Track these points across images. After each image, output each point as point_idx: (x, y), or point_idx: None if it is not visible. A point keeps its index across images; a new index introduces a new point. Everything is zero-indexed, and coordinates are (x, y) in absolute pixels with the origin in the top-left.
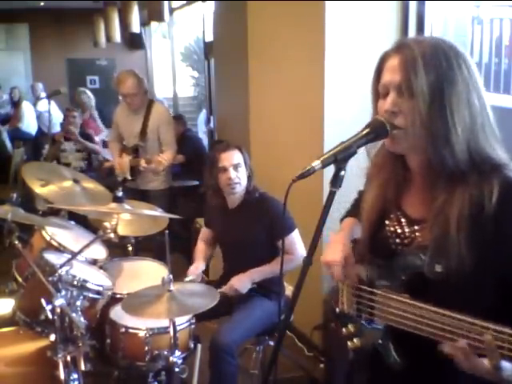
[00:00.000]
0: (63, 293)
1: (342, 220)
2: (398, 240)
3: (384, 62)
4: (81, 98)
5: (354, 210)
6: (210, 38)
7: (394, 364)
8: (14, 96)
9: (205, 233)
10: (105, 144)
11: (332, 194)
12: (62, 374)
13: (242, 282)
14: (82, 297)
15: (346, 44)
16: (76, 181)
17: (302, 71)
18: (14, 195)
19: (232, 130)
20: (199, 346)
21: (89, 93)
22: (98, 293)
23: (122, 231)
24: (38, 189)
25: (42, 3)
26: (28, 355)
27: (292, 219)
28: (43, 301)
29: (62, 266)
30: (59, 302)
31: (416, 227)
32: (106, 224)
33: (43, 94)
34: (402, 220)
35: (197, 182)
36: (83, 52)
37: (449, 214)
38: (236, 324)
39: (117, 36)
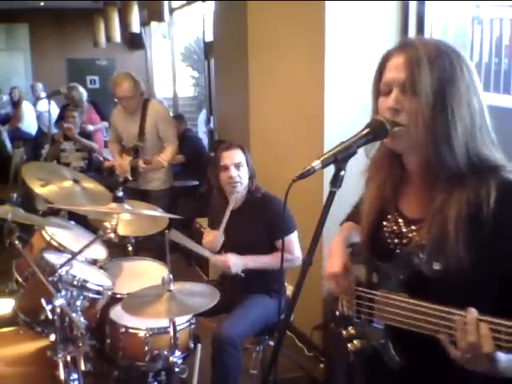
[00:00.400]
0: (63, 293)
1: (342, 223)
2: (396, 240)
3: (387, 60)
4: (72, 94)
5: (354, 214)
6: (210, 38)
7: (393, 363)
8: (14, 96)
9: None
10: (105, 144)
11: (332, 194)
12: (62, 374)
13: (236, 262)
14: (81, 297)
15: (346, 44)
16: (76, 181)
17: (302, 71)
18: (14, 195)
19: (232, 130)
20: (199, 346)
21: (80, 88)
22: (98, 293)
23: (121, 231)
24: (37, 189)
25: (42, 3)
26: (28, 355)
27: (293, 220)
28: (43, 301)
29: (61, 266)
30: (59, 302)
31: (413, 227)
32: (106, 224)
33: (43, 94)
34: (400, 220)
35: (197, 182)
36: (83, 52)
37: (447, 214)
38: (238, 319)
39: (117, 36)
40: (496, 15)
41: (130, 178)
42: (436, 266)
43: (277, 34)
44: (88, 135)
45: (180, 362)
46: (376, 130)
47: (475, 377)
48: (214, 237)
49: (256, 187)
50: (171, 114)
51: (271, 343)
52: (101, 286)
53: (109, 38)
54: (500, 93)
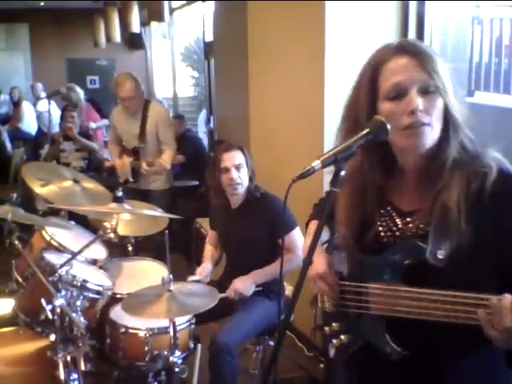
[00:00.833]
0: (63, 293)
1: (307, 223)
2: (389, 233)
3: (384, 64)
4: (70, 95)
5: (320, 211)
6: (210, 38)
7: (392, 354)
8: (14, 96)
9: (211, 236)
10: (105, 144)
11: (332, 194)
12: (62, 374)
13: (245, 285)
14: (82, 297)
15: (346, 44)
16: (76, 181)
17: (302, 71)
18: (14, 195)
19: (232, 130)
20: (199, 345)
21: (77, 88)
22: (98, 293)
23: (122, 231)
24: (37, 189)
25: (42, 3)
26: (28, 355)
27: (293, 217)
28: (43, 301)
29: (62, 265)
30: (59, 302)
31: (408, 219)
32: (106, 224)
33: (43, 94)
34: (393, 214)
35: (197, 182)
36: (83, 52)
37: (447, 199)
38: (236, 324)
39: (117, 36)
40: (496, 15)
41: (131, 180)
42: (440, 255)
43: (277, 34)
44: (89, 134)
45: (180, 362)
46: (376, 130)
47: (469, 366)
48: (203, 269)
49: (255, 187)
50: (171, 114)
51: (271, 343)
52: (101, 285)
53: (109, 38)
54: (500, 93)
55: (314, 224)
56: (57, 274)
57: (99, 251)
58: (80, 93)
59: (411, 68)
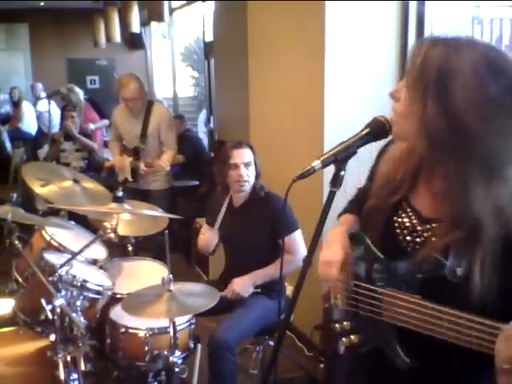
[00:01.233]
0: (63, 293)
1: (339, 215)
2: (408, 237)
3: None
4: (69, 95)
5: (353, 207)
6: (210, 38)
7: (401, 363)
8: (14, 96)
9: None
10: (105, 144)
11: (332, 194)
12: (62, 374)
13: (243, 286)
14: (82, 297)
15: (346, 44)
16: (76, 181)
17: (302, 71)
18: (14, 195)
19: (232, 130)
20: (199, 346)
21: (76, 88)
22: (98, 293)
23: (122, 231)
24: (38, 189)
25: (42, 3)
26: (28, 355)
27: (295, 219)
28: (43, 301)
29: (62, 266)
30: (59, 302)
31: (428, 226)
32: (106, 224)
33: (43, 94)
34: (413, 217)
35: (197, 182)
36: (83, 52)
37: (479, 211)
38: (235, 322)
39: (117, 36)
40: (496, 15)
41: (130, 179)
42: (459, 272)
43: (277, 34)
44: (88, 134)
45: (180, 362)
46: (376, 130)
47: (480, 378)
48: (209, 235)
49: (260, 186)
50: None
51: (271, 343)
52: (101, 285)
53: (109, 38)
54: None
55: (344, 217)
56: (57, 274)
57: (99, 251)
58: (80, 93)
59: (409, 60)
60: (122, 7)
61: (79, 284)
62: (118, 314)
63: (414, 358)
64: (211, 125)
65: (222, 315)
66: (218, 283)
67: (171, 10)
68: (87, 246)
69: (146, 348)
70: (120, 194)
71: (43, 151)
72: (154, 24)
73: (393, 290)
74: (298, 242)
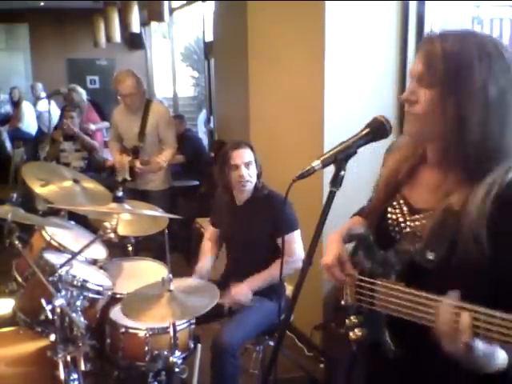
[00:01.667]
0: (63, 293)
1: (353, 216)
2: (397, 228)
3: (416, 53)
4: (72, 96)
5: (365, 208)
6: (210, 38)
7: (389, 352)
8: (14, 96)
9: (211, 232)
10: (105, 144)
11: (332, 194)
12: (62, 374)
13: (243, 293)
14: (82, 297)
15: (346, 44)
16: (76, 181)
17: (302, 71)
18: (14, 195)
19: (232, 130)
20: (199, 346)
21: (79, 89)
22: (98, 293)
23: (122, 231)
24: (38, 189)
25: (42, 3)
26: (28, 355)
27: (296, 219)
28: (43, 301)
29: (62, 266)
30: (59, 302)
31: (417, 216)
32: (106, 224)
33: (43, 94)
34: (404, 209)
35: (197, 182)
36: (83, 52)
37: (454, 202)
38: (237, 325)
39: (117, 36)
40: (496, 15)
41: (129, 179)
42: (430, 256)
43: (277, 34)
44: (89, 135)
45: (180, 362)
46: (376, 130)
47: (469, 371)
48: (202, 265)
49: (262, 185)
50: (171, 114)
51: (271, 343)
52: (101, 285)
53: (109, 38)
54: None
55: (353, 218)
56: (57, 274)
57: (99, 251)
58: (82, 93)
59: (418, 59)
60: (122, 7)
61: (79, 284)
62: (117, 314)
63: (406, 347)
64: (211, 125)
65: (224, 318)
66: (219, 282)
67: (171, 10)
68: (87, 245)
69: (146, 348)
70: (120, 194)
71: (42, 152)
72: (154, 24)
73: (383, 280)
74: (295, 242)
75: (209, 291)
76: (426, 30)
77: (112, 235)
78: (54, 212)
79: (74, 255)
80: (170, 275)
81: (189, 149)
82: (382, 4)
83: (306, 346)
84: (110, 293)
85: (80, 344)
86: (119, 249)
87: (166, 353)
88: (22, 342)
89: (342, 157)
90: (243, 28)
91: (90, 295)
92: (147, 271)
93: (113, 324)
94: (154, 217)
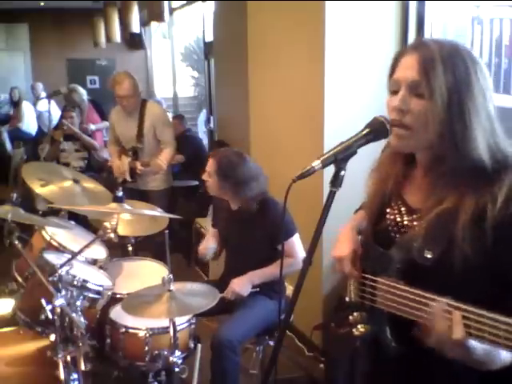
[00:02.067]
0: (63, 293)
1: (355, 212)
2: (395, 228)
3: (400, 58)
4: (73, 96)
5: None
6: (210, 38)
7: (389, 348)
8: (14, 96)
9: (213, 232)
10: (105, 144)
11: (332, 194)
12: (62, 374)
13: (242, 285)
14: (82, 297)
15: (346, 44)
16: (76, 181)
17: (302, 71)
18: (14, 195)
19: (232, 130)
20: (199, 345)
21: (80, 89)
22: (98, 293)
23: (121, 231)
24: (38, 189)
25: (42, 3)
26: (28, 355)
27: (292, 223)
28: (43, 301)
29: (62, 266)
30: (59, 302)
31: (415, 216)
32: (106, 224)
33: (43, 94)
34: (402, 209)
35: (197, 182)
36: (83, 52)
37: (450, 202)
38: (237, 322)
39: (117, 36)
40: (496, 15)
41: (129, 180)
42: (428, 255)
43: (277, 34)
44: (88, 135)
45: (180, 362)
46: (376, 130)
47: (470, 368)
48: (206, 242)
49: (258, 191)
50: (171, 114)
51: (271, 343)
52: (101, 285)
53: (109, 38)
54: (500, 93)
55: (357, 213)
56: (57, 274)
57: (99, 251)
58: (83, 94)
59: (412, 66)
60: (122, 7)
61: (79, 284)
62: (118, 313)
63: (406, 345)
64: (211, 125)
65: (223, 315)
66: (219, 283)
67: (171, 10)
68: (87, 245)
69: (146, 348)
70: (120, 194)
71: (41, 151)
72: (154, 24)
73: (384, 278)
74: (296, 245)
75: (209, 293)
76: (426, 29)
77: (112, 235)
78: (54, 212)
79: (74, 255)
80: (170, 275)
81: (189, 149)
82: (382, 4)
83: (306, 346)
84: (109, 293)
85: (80, 344)
86: (119, 249)
87: (165, 353)
88: (22, 342)
89: (342, 157)
90: (243, 28)
91: (90, 295)
92: (147, 271)
93: (113, 324)
94: (153, 217)
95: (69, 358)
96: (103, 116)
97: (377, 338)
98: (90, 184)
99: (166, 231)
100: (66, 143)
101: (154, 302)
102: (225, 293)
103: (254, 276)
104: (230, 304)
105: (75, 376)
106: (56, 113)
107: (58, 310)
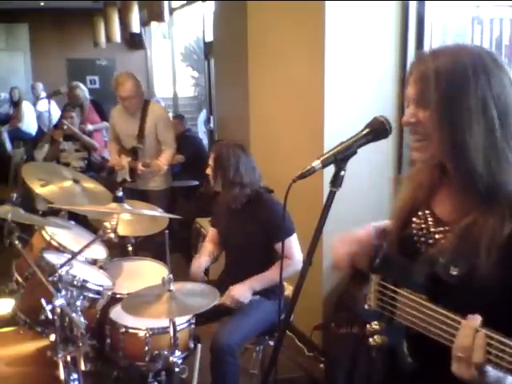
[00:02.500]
0: (63, 293)
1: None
2: (422, 238)
3: (409, 75)
4: (76, 92)
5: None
6: (210, 38)
7: (405, 363)
8: (14, 96)
9: (212, 233)
10: (105, 144)
11: (332, 194)
12: (62, 374)
13: (242, 292)
14: (81, 297)
15: (346, 44)
16: (76, 181)
17: (302, 71)
18: (14, 195)
19: (232, 130)
20: (199, 345)
21: (82, 86)
22: (98, 293)
23: (121, 231)
24: (38, 189)
25: (42, 3)
26: (28, 355)
27: (291, 223)
28: (43, 301)
29: (62, 266)
30: (59, 302)
31: (442, 228)
32: (106, 224)
33: (43, 94)
34: (430, 219)
35: (197, 182)
36: (83, 52)
37: (477, 217)
38: (237, 325)
39: (117, 36)
40: (496, 15)
41: (129, 180)
42: (453, 272)
43: (277, 34)
44: (87, 135)
45: (180, 362)
46: (376, 130)
47: None
48: (197, 264)
49: (257, 190)
50: (171, 114)
51: (271, 343)
52: (101, 285)
53: (109, 38)
54: None
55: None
56: (57, 274)
57: (99, 251)
58: (85, 91)
59: (412, 82)
60: (122, 7)
61: (79, 284)
62: (118, 313)
63: (422, 361)
64: (211, 125)
65: (223, 318)
66: (218, 283)
67: (171, 10)
68: (87, 245)
69: (146, 348)
70: (120, 193)
71: (40, 152)
72: (154, 24)
73: (405, 290)
74: (293, 246)
75: (209, 293)
76: (426, 29)
77: (112, 235)
78: (54, 212)
79: (74, 255)
80: (170, 275)
81: (189, 149)
82: (381, 4)
83: (306, 346)
84: (109, 293)
85: (80, 344)
86: (119, 249)
87: (165, 353)
88: (22, 341)
89: (341, 157)
90: (243, 28)
91: (90, 295)
92: (147, 271)
93: (113, 324)
94: (153, 217)
95: (69, 358)
96: (103, 116)
97: (392, 351)
98: (89, 184)
99: (166, 231)
100: (66, 143)
101: (154, 302)
102: (223, 298)
103: (254, 282)
104: (228, 308)
105: (75, 376)
106: (56, 113)
107: (58, 310)
